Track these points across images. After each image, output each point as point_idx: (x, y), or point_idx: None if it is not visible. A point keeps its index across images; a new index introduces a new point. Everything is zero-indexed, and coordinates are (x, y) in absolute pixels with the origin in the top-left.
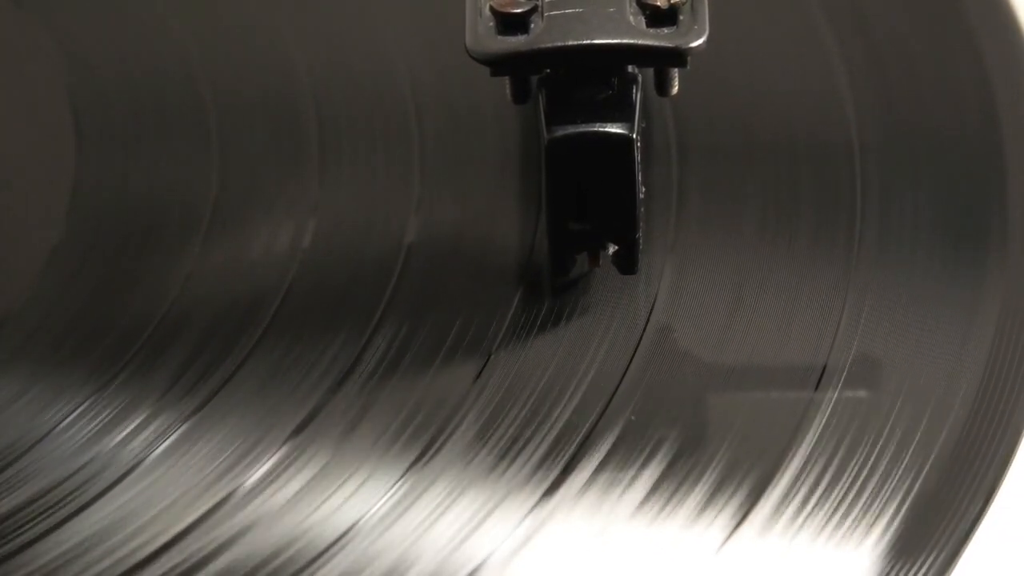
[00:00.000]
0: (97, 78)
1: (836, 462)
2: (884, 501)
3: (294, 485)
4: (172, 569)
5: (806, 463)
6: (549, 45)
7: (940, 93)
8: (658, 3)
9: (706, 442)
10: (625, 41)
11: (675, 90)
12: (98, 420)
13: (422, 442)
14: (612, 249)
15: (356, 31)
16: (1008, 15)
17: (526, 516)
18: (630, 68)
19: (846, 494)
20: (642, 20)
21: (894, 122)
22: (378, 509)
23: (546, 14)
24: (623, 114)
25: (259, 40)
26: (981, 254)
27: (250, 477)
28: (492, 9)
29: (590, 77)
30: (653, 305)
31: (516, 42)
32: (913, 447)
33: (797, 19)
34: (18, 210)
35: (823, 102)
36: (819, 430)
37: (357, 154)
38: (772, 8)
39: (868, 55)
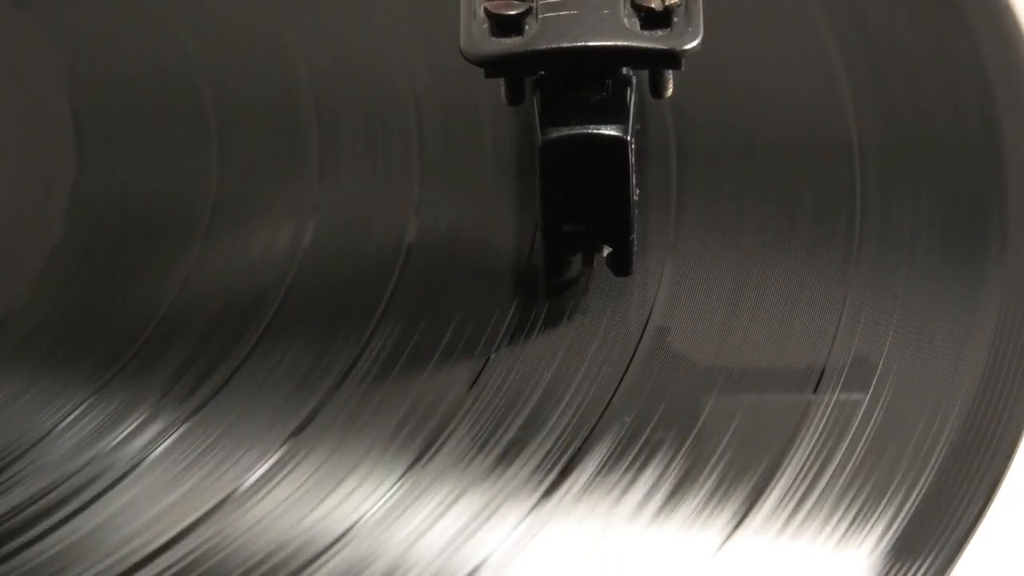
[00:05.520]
0: (97, 78)
1: (835, 463)
2: (884, 501)
3: (293, 485)
4: (171, 569)
5: (805, 464)
6: (543, 47)
7: (940, 93)
8: (652, 5)
9: (705, 443)
10: (619, 43)
11: (670, 92)
12: (98, 420)
13: (421, 443)
14: (606, 251)
15: (356, 31)
16: (1008, 15)
17: (525, 518)
18: (625, 70)
19: (845, 494)
20: (636, 22)
21: (894, 122)
22: (377, 510)
23: (540, 16)
24: (617, 116)
25: (259, 40)
26: (981, 254)
27: (249, 477)
28: (486, 11)
29: (585, 79)
30: (652, 306)
31: (510, 44)
32: (913, 447)
33: (797, 19)
34: (18, 210)
35: (823, 102)
36: (818, 431)
37: (357, 154)
38: (772, 8)
39: (868, 55)
